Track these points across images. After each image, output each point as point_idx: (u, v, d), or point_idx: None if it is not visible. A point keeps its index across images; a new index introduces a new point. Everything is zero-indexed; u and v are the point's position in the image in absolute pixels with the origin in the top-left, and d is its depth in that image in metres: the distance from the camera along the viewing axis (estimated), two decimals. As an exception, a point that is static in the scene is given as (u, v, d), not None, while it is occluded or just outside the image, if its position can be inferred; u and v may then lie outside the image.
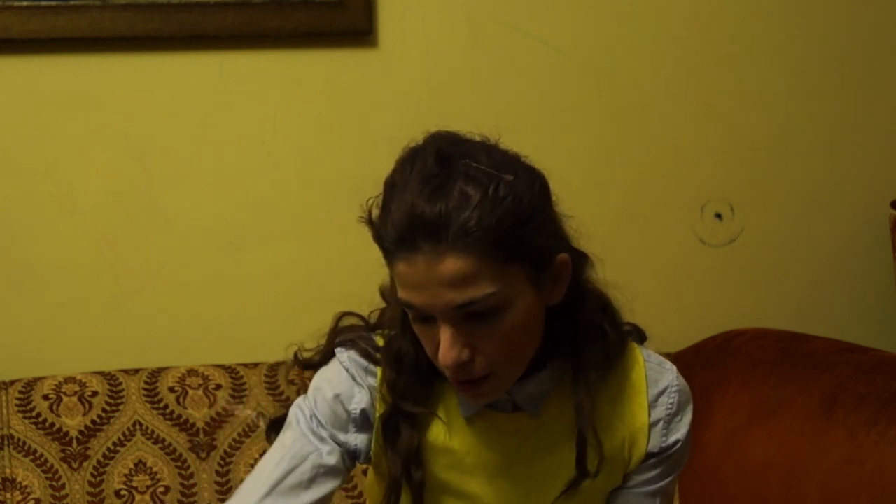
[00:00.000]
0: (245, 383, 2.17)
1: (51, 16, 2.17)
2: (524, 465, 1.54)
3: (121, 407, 2.12)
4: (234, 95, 2.27)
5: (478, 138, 1.44)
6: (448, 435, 1.53)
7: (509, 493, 1.54)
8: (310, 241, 2.30)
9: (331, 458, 1.52)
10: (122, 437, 2.10)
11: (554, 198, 1.45)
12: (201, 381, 2.17)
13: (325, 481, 1.52)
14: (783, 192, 2.49)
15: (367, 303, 1.59)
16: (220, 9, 2.21)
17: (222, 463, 2.12)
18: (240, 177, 2.28)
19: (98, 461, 2.08)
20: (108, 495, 2.07)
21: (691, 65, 2.42)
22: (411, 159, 1.40)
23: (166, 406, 2.14)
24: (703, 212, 2.46)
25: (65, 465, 2.07)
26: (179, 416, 2.13)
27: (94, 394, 2.12)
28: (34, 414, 2.09)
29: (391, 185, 1.40)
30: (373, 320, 1.59)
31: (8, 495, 2.04)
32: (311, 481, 1.51)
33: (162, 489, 2.09)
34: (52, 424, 2.09)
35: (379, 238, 1.40)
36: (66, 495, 2.05)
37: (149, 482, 2.09)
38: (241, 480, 2.07)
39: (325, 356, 1.57)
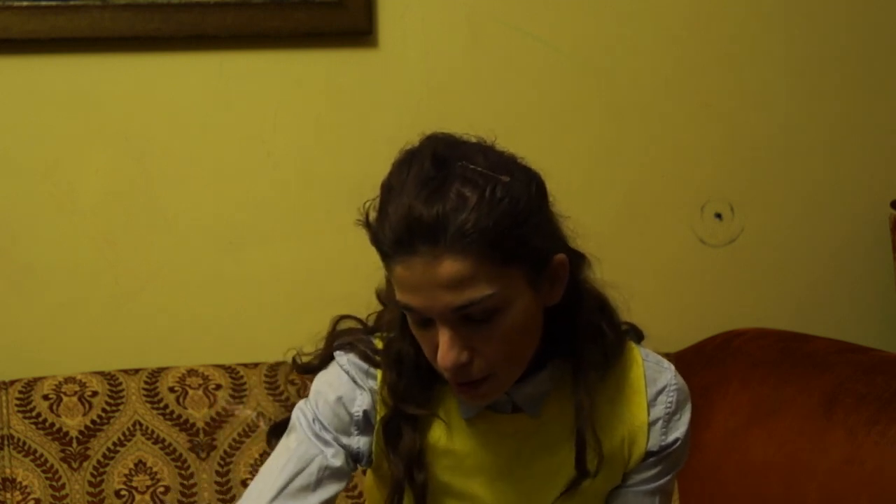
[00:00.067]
0: (245, 383, 2.17)
1: (51, 16, 2.17)
2: (524, 465, 1.54)
3: (121, 407, 2.12)
4: (234, 95, 2.27)
5: (474, 140, 1.44)
6: (449, 437, 1.53)
7: (510, 493, 1.54)
8: (310, 242, 2.30)
9: (336, 460, 1.52)
10: (122, 437, 2.10)
11: (551, 198, 1.45)
12: (201, 381, 2.16)
13: (331, 483, 1.52)
14: (783, 192, 2.48)
15: (367, 303, 1.59)
16: (220, 9, 2.21)
17: (222, 463, 2.12)
18: (240, 177, 2.28)
19: (98, 461, 2.08)
20: (108, 495, 2.07)
21: (691, 65, 2.42)
22: (408, 162, 1.40)
23: (166, 406, 2.14)
24: (703, 212, 2.46)
25: (65, 465, 2.07)
26: (179, 416, 2.13)
27: (94, 394, 2.12)
28: (34, 414, 2.09)
29: (388, 188, 1.40)
30: (370, 323, 1.59)
31: (8, 495, 2.04)
32: (317, 483, 1.51)
33: (162, 489, 2.09)
34: (52, 424, 2.09)
35: (376, 241, 1.40)
36: (66, 495, 2.05)
37: (149, 482, 2.09)
38: (241, 480, 2.09)
39: (324, 360, 1.56)
